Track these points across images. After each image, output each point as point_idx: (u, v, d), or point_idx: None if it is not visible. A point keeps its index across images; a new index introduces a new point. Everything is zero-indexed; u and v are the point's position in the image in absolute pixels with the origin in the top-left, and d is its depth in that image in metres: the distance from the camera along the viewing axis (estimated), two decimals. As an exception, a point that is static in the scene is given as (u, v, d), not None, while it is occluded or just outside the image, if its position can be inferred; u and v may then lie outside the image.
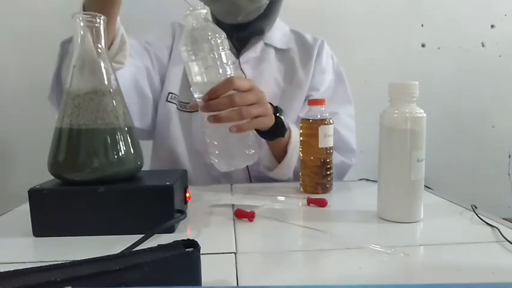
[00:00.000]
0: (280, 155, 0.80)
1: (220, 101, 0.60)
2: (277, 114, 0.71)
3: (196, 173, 0.87)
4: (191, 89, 0.65)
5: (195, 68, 0.61)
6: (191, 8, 0.59)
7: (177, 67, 0.89)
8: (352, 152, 0.91)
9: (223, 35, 0.61)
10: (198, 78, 0.61)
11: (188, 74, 0.62)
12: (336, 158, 0.86)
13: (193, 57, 0.60)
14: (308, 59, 0.91)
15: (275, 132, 0.72)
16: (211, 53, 0.60)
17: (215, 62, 0.61)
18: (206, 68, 0.61)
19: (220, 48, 0.60)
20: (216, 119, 0.60)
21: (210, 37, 0.59)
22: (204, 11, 0.60)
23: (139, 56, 0.84)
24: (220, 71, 0.61)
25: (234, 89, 0.61)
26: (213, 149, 0.66)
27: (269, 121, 0.68)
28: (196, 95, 0.64)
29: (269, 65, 0.90)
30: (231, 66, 0.63)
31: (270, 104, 0.70)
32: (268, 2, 0.82)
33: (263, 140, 0.77)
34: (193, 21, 0.60)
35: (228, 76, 0.61)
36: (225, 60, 0.62)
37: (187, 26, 0.60)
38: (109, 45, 0.68)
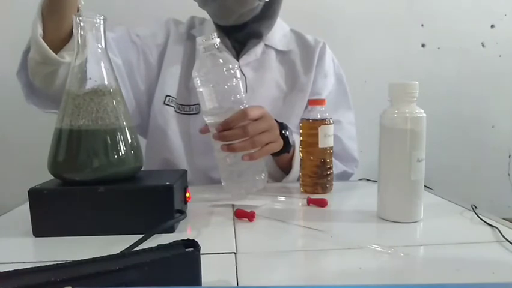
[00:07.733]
0: (285, 166, 0.81)
1: (234, 132, 0.62)
2: (283, 132, 0.72)
3: (194, 175, 0.85)
4: (202, 115, 0.67)
5: (207, 97, 0.63)
6: (204, 39, 0.61)
7: (173, 69, 0.87)
8: (354, 162, 0.91)
9: (236, 64, 0.63)
10: (211, 107, 0.63)
11: (201, 101, 0.65)
12: (338, 168, 0.87)
13: (206, 86, 0.62)
14: (310, 62, 0.90)
15: (281, 150, 0.73)
16: (224, 83, 0.62)
17: (227, 91, 0.62)
18: (218, 97, 0.62)
19: (234, 78, 0.62)
20: (229, 149, 0.63)
21: (222, 67, 0.62)
22: (217, 40, 0.62)
23: (121, 51, 0.82)
24: (232, 99, 0.63)
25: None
26: (223, 174, 0.67)
27: (279, 146, 0.70)
28: (207, 119, 0.66)
29: (270, 67, 0.89)
30: (244, 95, 0.65)
31: (276, 120, 0.71)
32: (261, 3, 0.81)
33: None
34: (205, 51, 0.62)
35: (240, 105, 0.64)
36: (237, 90, 0.64)
37: (200, 55, 0.62)
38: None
